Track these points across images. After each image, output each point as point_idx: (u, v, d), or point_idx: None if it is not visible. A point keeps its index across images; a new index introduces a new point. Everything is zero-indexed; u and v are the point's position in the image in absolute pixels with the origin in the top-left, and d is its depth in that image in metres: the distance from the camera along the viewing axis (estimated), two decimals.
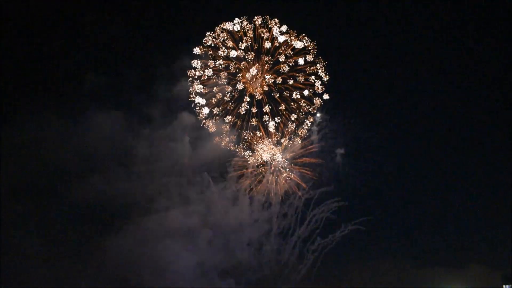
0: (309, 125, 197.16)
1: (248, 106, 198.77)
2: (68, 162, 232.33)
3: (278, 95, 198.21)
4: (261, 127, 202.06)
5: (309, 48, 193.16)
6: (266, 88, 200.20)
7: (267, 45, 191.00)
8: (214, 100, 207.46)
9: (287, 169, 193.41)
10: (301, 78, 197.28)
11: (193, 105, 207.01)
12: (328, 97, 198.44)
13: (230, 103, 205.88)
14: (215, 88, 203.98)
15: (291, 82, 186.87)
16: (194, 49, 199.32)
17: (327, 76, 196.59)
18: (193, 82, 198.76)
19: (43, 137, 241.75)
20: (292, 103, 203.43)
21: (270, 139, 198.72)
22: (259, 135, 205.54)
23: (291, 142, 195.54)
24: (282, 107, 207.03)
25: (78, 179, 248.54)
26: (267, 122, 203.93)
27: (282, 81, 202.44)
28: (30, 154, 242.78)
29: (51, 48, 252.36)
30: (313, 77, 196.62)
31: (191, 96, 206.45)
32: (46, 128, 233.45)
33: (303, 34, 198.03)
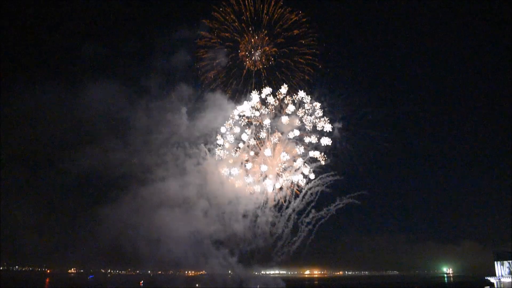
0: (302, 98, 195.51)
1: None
2: (64, 132, 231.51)
3: (275, 65, 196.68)
4: (259, 101, 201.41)
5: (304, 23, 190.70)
6: (264, 61, 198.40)
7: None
8: (213, 72, 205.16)
9: (285, 142, 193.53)
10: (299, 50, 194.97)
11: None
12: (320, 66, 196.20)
13: (230, 75, 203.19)
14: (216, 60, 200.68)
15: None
16: (201, 21, 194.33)
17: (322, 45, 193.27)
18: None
19: (40, 107, 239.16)
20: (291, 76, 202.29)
21: (268, 111, 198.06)
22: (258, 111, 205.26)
23: (287, 118, 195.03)
24: (284, 87, 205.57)
25: (74, 149, 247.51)
26: (267, 96, 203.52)
27: (280, 54, 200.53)
28: (27, 124, 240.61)
29: (48, 18, 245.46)
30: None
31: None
32: (43, 98, 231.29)
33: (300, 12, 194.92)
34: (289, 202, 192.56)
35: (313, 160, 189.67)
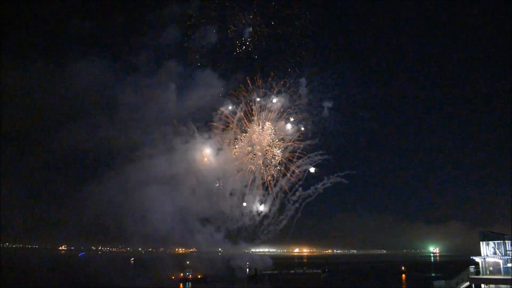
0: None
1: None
2: (51, 109, 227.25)
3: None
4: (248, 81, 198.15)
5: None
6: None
7: None
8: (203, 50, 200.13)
9: (273, 121, 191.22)
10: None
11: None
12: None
13: None
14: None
15: None
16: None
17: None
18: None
19: (26, 84, 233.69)
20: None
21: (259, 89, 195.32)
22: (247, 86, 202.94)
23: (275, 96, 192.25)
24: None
25: (61, 126, 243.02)
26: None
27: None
28: (13, 102, 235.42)
29: None
30: None
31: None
32: (29, 75, 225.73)
33: None
34: (277, 181, 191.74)
35: (302, 138, 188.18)
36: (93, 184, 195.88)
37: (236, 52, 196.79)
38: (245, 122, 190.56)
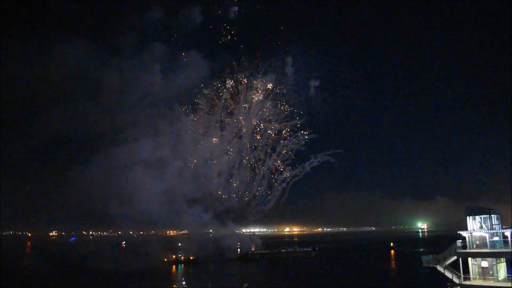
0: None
1: None
2: (34, 93, 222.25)
3: None
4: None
5: None
6: None
7: None
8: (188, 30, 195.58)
9: (260, 101, 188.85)
10: None
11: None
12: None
13: None
14: None
15: None
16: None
17: None
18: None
19: (7, 67, 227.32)
20: None
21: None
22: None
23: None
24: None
25: (45, 111, 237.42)
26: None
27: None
28: None
29: None
30: None
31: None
32: (10, 58, 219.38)
33: None
34: (264, 161, 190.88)
35: (288, 118, 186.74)
36: (79, 168, 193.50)
37: (222, 33, 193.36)
38: (231, 103, 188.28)
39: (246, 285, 76.59)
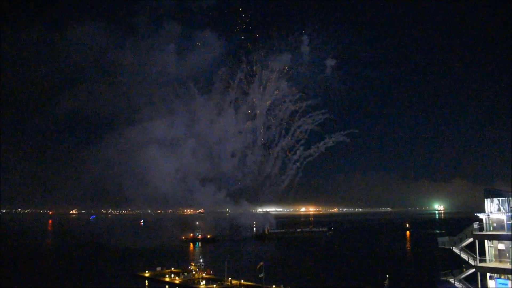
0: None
1: None
2: (50, 75, 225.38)
3: None
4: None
5: None
6: None
7: None
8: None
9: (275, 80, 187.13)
10: None
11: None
12: None
13: None
14: None
15: None
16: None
17: None
18: None
19: (24, 50, 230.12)
20: None
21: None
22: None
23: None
24: None
25: (60, 91, 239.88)
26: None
27: None
28: (12, 67, 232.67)
29: None
30: None
31: None
32: (27, 41, 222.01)
33: None
34: (278, 141, 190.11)
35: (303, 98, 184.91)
36: (94, 147, 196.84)
37: (237, 12, 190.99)
38: (246, 83, 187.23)
39: (261, 263, 77.66)
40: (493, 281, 48.25)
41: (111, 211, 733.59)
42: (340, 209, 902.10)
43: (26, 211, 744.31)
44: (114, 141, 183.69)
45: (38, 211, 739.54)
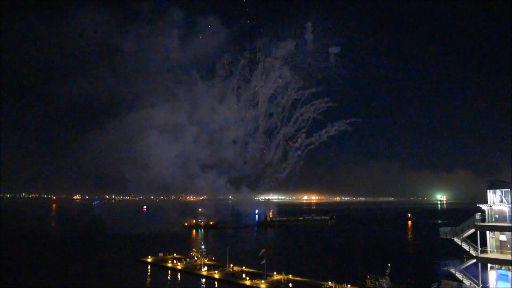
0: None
1: None
2: (52, 60, 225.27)
3: None
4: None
5: None
6: None
7: None
8: None
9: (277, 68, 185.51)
10: None
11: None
12: None
13: None
14: None
15: None
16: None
17: None
18: None
19: (27, 35, 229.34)
20: None
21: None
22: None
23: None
24: None
25: (62, 77, 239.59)
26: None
27: None
28: (15, 53, 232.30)
29: None
30: None
31: None
32: (30, 26, 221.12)
33: None
34: (280, 129, 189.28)
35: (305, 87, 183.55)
36: (96, 132, 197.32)
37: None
38: (248, 70, 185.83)
39: (263, 250, 78.18)
40: (494, 271, 48.46)
41: (114, 197, 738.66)
42: (343, 198, 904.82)
43: (30, 196, 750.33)
44: (115, 127, 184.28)
45: (42, 196, 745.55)
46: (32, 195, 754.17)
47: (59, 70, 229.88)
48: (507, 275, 45.47)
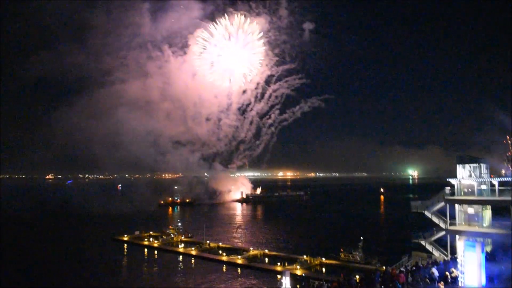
0: None
1: None
2: (16, 35, 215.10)
3: None
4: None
5: None
6: None
7: None
8: None
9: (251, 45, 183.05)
10: None
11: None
12: None
13: None
14: None
15: None
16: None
17: None
18: None
19: None
20: None
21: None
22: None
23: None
24: None
25: (29, 53, 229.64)
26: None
27: None
28: None
29: None
30: None
31: None
32: None
33: None
34: (253, 106, 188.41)
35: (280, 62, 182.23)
36: (64, 110, 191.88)
37: None
38: (222, 46, 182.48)
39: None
40: (462, 242, 50.55)
41: (88, 176, 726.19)
42: (317, 174, 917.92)
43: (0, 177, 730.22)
44: (85, 104, 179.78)
45: (14, 176, 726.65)
46: (3, 176, 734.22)
47: (25, 46, 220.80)
48: (474, 246, 47.51)
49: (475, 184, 50.06)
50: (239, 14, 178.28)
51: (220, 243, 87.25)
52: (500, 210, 48.35)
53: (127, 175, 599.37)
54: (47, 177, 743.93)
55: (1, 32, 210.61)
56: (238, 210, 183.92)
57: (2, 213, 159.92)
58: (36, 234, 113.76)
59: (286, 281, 39.98)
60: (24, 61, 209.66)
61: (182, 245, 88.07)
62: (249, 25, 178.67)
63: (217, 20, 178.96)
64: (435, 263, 38.61)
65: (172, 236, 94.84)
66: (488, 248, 43.65)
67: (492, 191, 48.45)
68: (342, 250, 73.73)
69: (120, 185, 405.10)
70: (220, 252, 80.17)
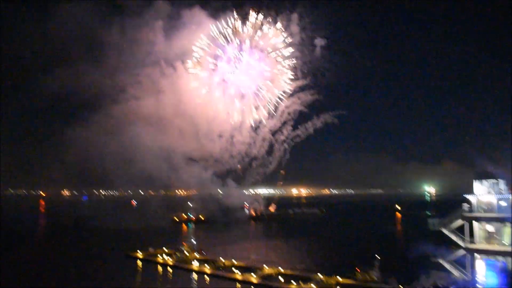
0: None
1: None
2: (35, 54, 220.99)
3: None
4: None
5: None
6: None
7: None
8: None
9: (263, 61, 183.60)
10: None
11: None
12: None
13: None
14: None
15: None
16: None
17: None
18: None
19: (8, 28, 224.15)
20: None
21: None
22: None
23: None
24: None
25: (46, 71, 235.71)
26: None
27: None
28: None
29: None
30: None
31: None
32: (12, 19, 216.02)
33: None
34: (266, 122, 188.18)
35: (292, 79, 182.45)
36: (78, 127, 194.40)
37: None
38: (235, 63, 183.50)
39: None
40: (482, 262, 49.02)
41: (104, 192, 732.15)
42: (332, 190, 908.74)
43: (17, 193, 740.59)
44: (100, 121, 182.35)
45: (31, 192, 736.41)
46: (20, 191, 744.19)
47: (42, 64, 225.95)
48: (495, 265, 46.01)
49: (494, 200, 48.92)
50: (251, 30, 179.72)
51: (234, 261, 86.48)
52: None
53: (141, 192, 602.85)
54: (63, 193, 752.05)
55: (18, 50, 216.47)
56: (252, 227, 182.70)
57: (20, 229, 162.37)
58: (53, 250, 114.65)
59: None
60: (41, 78, 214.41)
61: (197, 263, 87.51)
62: (261, 41, 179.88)
63: (229, 37, 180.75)
64: (454, 283, 37.55)
65: (186, 253, 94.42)
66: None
67: None
68: (357, 269, 72.25)
69: (135, 202, 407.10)
70: (234, 270, 79.40)
